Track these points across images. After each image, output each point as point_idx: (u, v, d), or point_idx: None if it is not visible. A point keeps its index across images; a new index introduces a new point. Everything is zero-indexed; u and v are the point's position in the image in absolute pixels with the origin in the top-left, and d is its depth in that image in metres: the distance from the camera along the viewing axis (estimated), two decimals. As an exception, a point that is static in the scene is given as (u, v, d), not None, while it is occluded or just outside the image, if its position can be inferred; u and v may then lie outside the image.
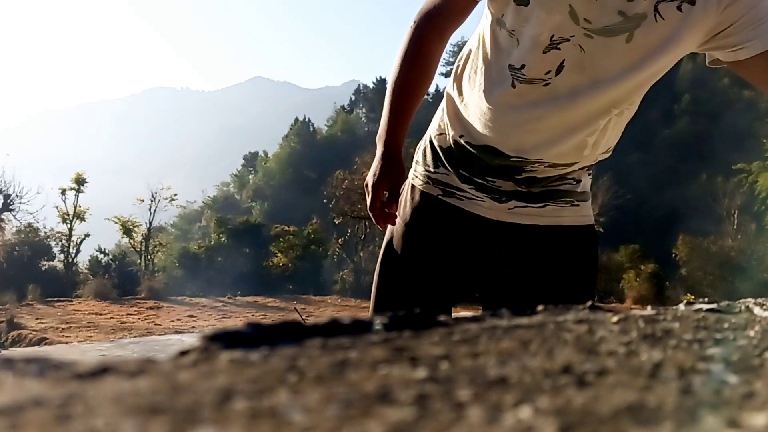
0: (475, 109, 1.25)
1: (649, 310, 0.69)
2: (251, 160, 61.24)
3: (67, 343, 9.27)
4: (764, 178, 24.58)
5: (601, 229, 22.63)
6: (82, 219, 22.63)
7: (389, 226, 1.38)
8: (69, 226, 22.12)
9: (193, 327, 11.28)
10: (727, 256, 18.96)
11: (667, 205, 38.98)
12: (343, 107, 63.05)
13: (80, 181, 22.53)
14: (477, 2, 1.20)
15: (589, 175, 1.35)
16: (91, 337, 10.17)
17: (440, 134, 1.35)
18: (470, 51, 1.28)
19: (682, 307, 0.74)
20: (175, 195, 25.37)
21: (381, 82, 60.79)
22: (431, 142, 1.37)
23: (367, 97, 61.45)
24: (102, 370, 0.34)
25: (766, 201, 24.02)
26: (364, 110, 61.51)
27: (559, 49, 1.11)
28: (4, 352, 8.72)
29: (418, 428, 0.25)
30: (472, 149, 1.27)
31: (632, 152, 47.80)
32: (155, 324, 12.11)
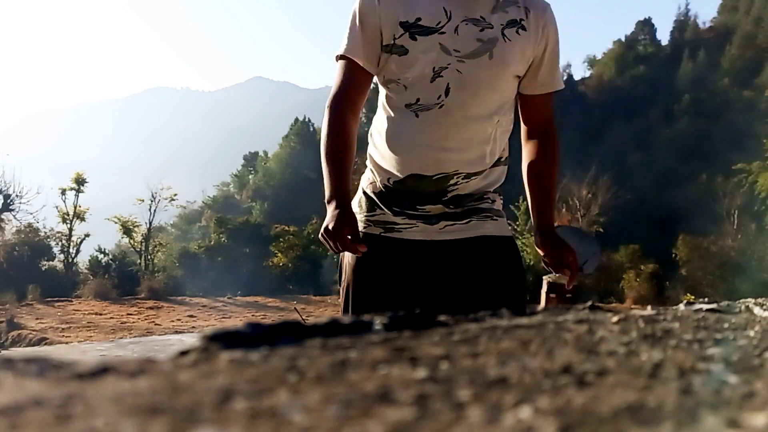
0: (392, 152, 1.52)
1: (649, 310, 0.69)
2: (251, 160, 61.23)
3: (67, 343, 9.27)
4: (764, 178, 24.57)
5: (600, 229, 22.62)
6: (82, 219, 22.63)
7: (345, 274, 1.59)
8: (69, 226, 22.13)
9: (193, 327, 11.28)
10: (727, 256, 18.97)
11: (667, 205, 38.96)
12: (343, 107, 63.08)
13: (80, 181, 22.54)
14: (373, 75, 1.53)
15: (500, 198, 1.61)
16: (91, 337, 10.17)
17: (371, 183, 1.60)
18: (377, 119, 1.61)
19: (682, 307, 0.74)
20: (175, 195, 25.39)
21: (381, 82, 60.85)
22: (364, 192, 1.61)
23: (367, 97, 61.41)
24: (102, 370, 0.34)
25: (766, 201, 24.02)
26: (364, 110, 61.37)
27: (442, 76, 1.43)
28: (4, 352, 8.72)
29: (418, 428, 0.25)
30: (400, 185, 1.52)
31: (632, 152, 47.81)
32: (155, 324, 12.11)
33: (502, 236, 1.56)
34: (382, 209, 1.55)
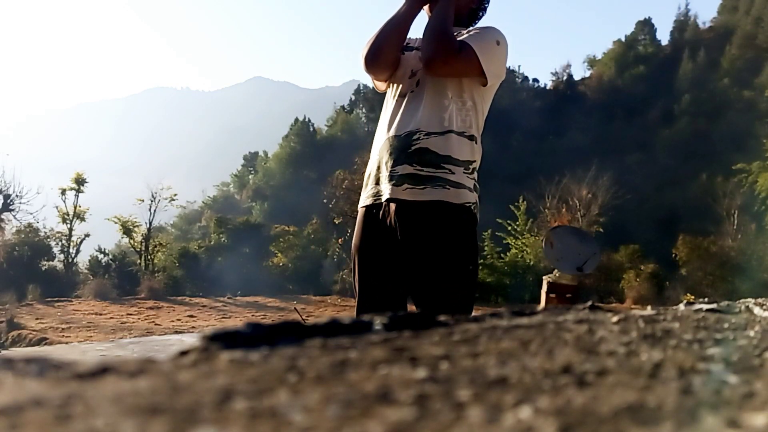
0: (378, 133, 2.05)
1: (649, 310, 0.69)
2: (251, 160, 61.22)
3: (67, 343, 9.27)
4: (764, 178, 24.57)
5: (600, 230, 22.61)
6: (82, 219, 22.62)
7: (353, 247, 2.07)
8: (69, 226, 22.12)
9: (193, 327, 11.27)
10: (727, 256, 18.95)
11: (667, 205, 38.97)
12: (343, 107, 63.04)
13: (80, 181, 22.52)
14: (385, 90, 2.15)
15: (466, 172, 1.93)
16: (91, 337, 10.16)
17: (368, 170, 2.06)
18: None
19: (682, 307, 0.74)
20: (175, 195, 25.36)
21: (381, 82, 60.80)
22: (366, 177, 2.05)
23: (367, 97, 61.37)
24: (102, 370, 0.34)
25: (766, 201, 24.01)
26: (364, 110, 61.48)
27: (416, 74, 2.00)
28: (4, 352, 8.71)
29: (418, 428, 0.26)
30: (378, 152, 1.99)
31: (632, 152, 47.79)
32: (155, 324, 12.10)
33: (447, 202, 1.88)
34: (368, 186, 2.01)
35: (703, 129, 47.36)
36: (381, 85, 2.13)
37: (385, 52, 2.00)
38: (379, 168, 1.97)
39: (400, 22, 2.01)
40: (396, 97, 2.01)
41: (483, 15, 2.20)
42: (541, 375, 0.36)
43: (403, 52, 2.05)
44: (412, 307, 1.99)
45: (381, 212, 1.94)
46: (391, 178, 1.91)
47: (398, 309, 1.88)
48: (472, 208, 1.93)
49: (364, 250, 1.98)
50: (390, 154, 1.92)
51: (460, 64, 1.91)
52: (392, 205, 1.91)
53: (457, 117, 1.93)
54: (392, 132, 1.95)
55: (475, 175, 1.97)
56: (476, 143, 1.97)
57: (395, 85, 2.04)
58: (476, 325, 0.55)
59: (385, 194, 1.93)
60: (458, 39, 1.94)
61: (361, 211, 2.02)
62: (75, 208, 22.43)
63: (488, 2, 2.21)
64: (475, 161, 1.96)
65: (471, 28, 2.08)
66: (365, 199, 2.01)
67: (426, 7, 2.07)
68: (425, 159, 1.88)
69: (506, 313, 0.62)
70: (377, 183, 1.97)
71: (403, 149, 1.90)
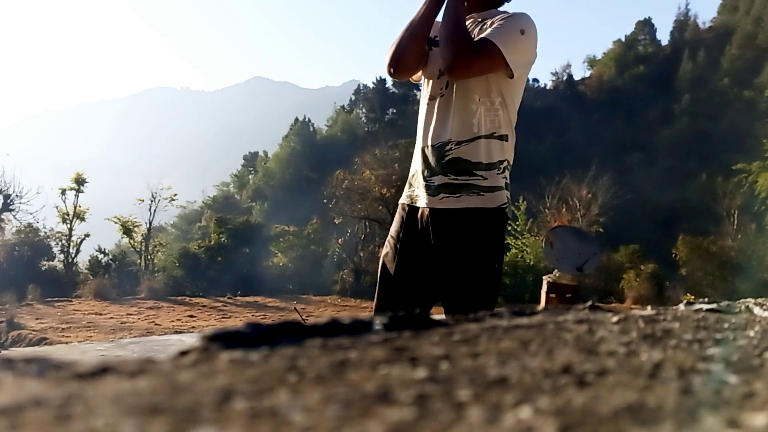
0: (417, 135, 2.10)
1: (649, 310, 0.69)
2: (251, 160, 61.19)
3: (67, 343, 9.27)
4: (764, 178, 24.56)
5: (600, 230, 22.60)
6: (82, 219, 22.61)
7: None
8: (69, 226, 22.11)
9: (193, 327, 11.27)
10: (727, 256, 18.95)
11: (667, 205, 38.96)
12: (343, 107, 63.04)
13: (80, 181, 22.52)
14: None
15: (498, 171, 1.98)
16: (91, 337, 10.16)
17: (411, 172, 2.14)
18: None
19: (682, 307, 0.74)
20: (175, 195, 25.38)
21: (381, 83, 60.74)
22: (410, 177, 2.14)
23: (367, 97, 61.39)
24: (102, 370, 0.34)
25: (766, 201, 24.01)
26: (364, 110, 61.48)
27: (444, 73, 1.98)
28: (4, 352, 8.71)
29: (418, 428, 0.26)
30: (416, 159, 2.07)
31: (632, 152, 47.79)
32: (155, 324, 12.10)
33: (483, 208, 1.96)
34: (411, 186, 2.10)
35: (703, 129, 47.35)
36: (415, 78, 2.15)
37: (408, 59, 2.02)
38: (417, 175, 2.07)
39: (420, 26, 2.00)
40: (428, 99, 2.05)
41: None
42: (541, 375, 0.36)
43: (431, 48, 2.04)
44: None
45: (418, 214, 2.04)
46: (428, 187, 2.00)
47: (418, 305, 1.98)
48: (505, 208, 2.00)
49: (400, 242, 2.06)
50: (426, 165, 2.01)
51: (481, 63, 1.88)
52: (427, 212, 2.00)
53: (485, 119, 1.96)
54: (427, 141, 2.01)
55: (507, 173, 2.02)
56: (507, 141, 2.00)
57: (426, 82, 2.07)
58: (476, 325, 0.55)
59: (422, 202, 2.01)
60: (481, 36, 1.90)
61: (401, 206, 2.12)
62: (75, 208, 22.42)
63: None
64: (506, 159, 2.00)
65: (499, 14, 1.99)
66: (405, 197, 2.11)
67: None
68: (458, 168, 1.95)
69: (506, 313, 0.62)
70: (417, 187, 2.06)
71: (437, 160, 1.98)
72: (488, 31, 1.91)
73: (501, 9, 2.06)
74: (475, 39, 1.92)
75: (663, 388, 0.33)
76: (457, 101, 1.96)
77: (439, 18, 2.00)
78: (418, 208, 2.03)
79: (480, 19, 2.01)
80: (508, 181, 2.03)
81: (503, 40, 1.87)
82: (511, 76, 1.93)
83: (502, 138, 1.98)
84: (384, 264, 2.08)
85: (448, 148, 1.96)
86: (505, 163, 2.00)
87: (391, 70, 2.04)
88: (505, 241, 2.15)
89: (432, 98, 2.02)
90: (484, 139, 1.95)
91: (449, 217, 1.96)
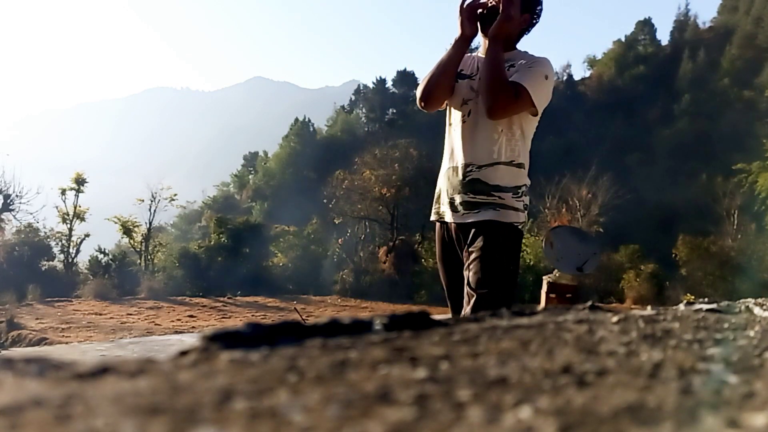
0: (444, 155, 2.38)
1: (649, 310, 0.69)
2: (251, 160, 61.15)
3: (67, 343, 9.26)
4: (764, 178, 24.53)
5: (600, 230, 22.59)
6: (82, 219, 22.60)
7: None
8: (69, 226, 22.10)
9: (193, 327, 11.27)
10: (727, 256, 18.94)
11: (667, 205, 38.94)
12: (343, 107, 62.98)
13: (80, 181, 22.51)
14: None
15: (515, 196, 2.23)
16: (91, 337, 10.16)
17: (436, 191, 2.42)
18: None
19: (682, 307, 0.74)
20: (175, 195, 25.35)
21: (381, 83, 60.73)
22: (436, 194, 2.42)
23: (367, 97, 61.35)
24: (102, 370, 0.34)
25: (766, 201, 23.97)
26: (364, 110, 61.43)
27: (467, 103, 2.28)
28: (4, 352, 8.71)
29: (418, 428, 0.26)
30: (442, 179, 2.36)
31: (632, 152, 47.77)
32: (155, 324, 12.10)
33: (497, 221, 2.19)
34: (437, 203, 2.40)
35: (703, 129, 47.33)
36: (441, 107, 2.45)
37: (437, 95, 2.31)
38: (441, 193, 2.36)
39: (449, 66, 2.29)
40: (453, 124, 2.33)
41: (536, 22, 2.38)
42: (541, 375, 0.36)
43: (457, 80, 2.32)
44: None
45: (445, 229, 2.36)
46: (451, 204, 2.29)
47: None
48: (518, 226, 2.26)
49: (441, 257, 2.42)
50: (450, 184, 2.29)
51: (516, 107, 2.17)
52: (453, 225, 2.30)
53: (506, 148, 2.23)
54: (452, 163, 2.30)
55: (525, 197, 2.28)
56: (523, 168, 2.26)
57: (452, 110, 2.35)
58: (476, 325, 0.55)
59: (448, 218, 2.31)
60: (511, 79, 2.16)
61: (436, 225, 2.43)
62: (75, 208, 22.41)
63: (539, 17, 2.37)
64: (523, 185, 2.26)
65: (522, 55, 2.27)
66: (434, 214, 2.42)
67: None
68: (477, 188, 2.22)
69: (506, 313, 0.62)
70: (442, 204, 2.36)
71: (459, 181, 2.26)
72: (519, 75, 2.18)
73: (521, 49, 2.35)
74: (515, 68, 2.21)
75: (663, 388, 0.33)
76: (480, 130, 2.23)
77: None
78: (446, 223, 2.34)
79: (506, 59, 2.25)
80: (527, 204, 2.29)
81: (532, 84, 2.16)
82: (535, 114, 2.24)
83: (520, 166, 2.25)
84: (441, 274, 2.45)
85: (469, 170, 2.23)
86: (523, 188, 2.26)
87: (422, 104, 2.34)
88: (519, 254, 2.35)
89: (457, 123, 2.29)
90: (503, 166, 2.22)
91: (470, 228, 2.23)
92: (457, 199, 2.25)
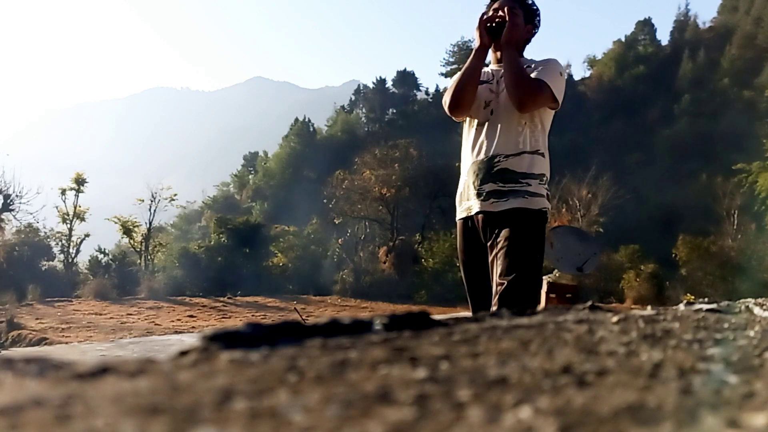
0: (464, 157, 2.51)
1: (649, 310, 0.69)
2: (251, 160, 61.15)
3: (67, 343, 9.26)
4: (764, 178, 24.53)
5: (600, 230, 22.59)
6: (82, 219, 22.62)
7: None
8: (69, 226, 22.12)
9: (193, 327, 11.27)
10: (727, 256, 18.95)
11: (667, 205, 38.93)
12: (343, 107, 62.96)
13: (80, 181, 22.53)
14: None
15: (540, 182, 2.36)
16: (91, 337, 10.16)
17: (458, 192, 2.52)
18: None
19: (682, 307, 0.74)
20: (175, 195, 25.38)
21: (381, 83, 60.73)
22: (459, 193, 2.51)
23: (367, 97, 61.35)
24: (102, 370, 0.34)
25: (766, 201, 23.98)
26: (364, 110, 61.43)
27: (489, 104, 2.44)
28: (4, 352, 8.71)
29: (418, 428, 0.26)
30: (466, 174, 2.45)
31: (632, 152, 47.76)
32: (155, 324, 12.10)
33: (526, 208, 2.30)
34: (462, 201, 2.47)
35: (703, 129, 47.32)
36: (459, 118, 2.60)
37: (464, 103, 2.46)
38: (468, 187, 2.43)
39: (473, 74, 2.46)
40: (476, 126, 2.47)
41: (537, 32, 2.61)
42: (541, 375, 0.36)
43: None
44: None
45: (472, 223, 2.42)
46: (479, 194, 2.37)
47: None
48: (545, 211, 2.36)
49: (465, 254, 2.47)
50: (476, 176, 2.39)
51: (542, 99, 2.36)
52: (480, 216, 2.37)
53: (530, 138, 2.38)
54: (477, 157, 2.41)
55: (547, 184, 2.39)
56: (545, 157, 2.41)
57: (472, 115, 2.49)
58: (476, 325, 0.55)
59: (475, 208, 2.39)
60: (535, 77, 2.35)
61: (459, 223, 2.49)
62: (75, 208, 22.43)
63: (538, 26, 2.61)
64: (546, 174, 2.39)
65: (529, 60, 2.48)
66: (460, 213, 2.48)
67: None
68: (506, 177, 2.33)
69: (506, 313, 0.62)
70: (468, 199, 2.43)
71: (487, 171, 2.36)
72: (538, 73, 2.38)
73: (528, 57, 2.54)
74: (532, 68, 2.39)
75: (663, 388, 0.33)
76: (503, 124, 2.38)
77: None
78: (472, 217, 2.42)
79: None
80: (549, 192, 2.41)
81: (551, 80, 2.36)
82: (556, 108, 2.44)
83: (543, 155, 2.40)
84: (463, 272, 2.51)
85: (497, 160, 2.35)
86: (546, 177, 2.39)
87: (452, 112, 2.49)
88: (544, 241, 2.42)
89: (480, 124, 2.44)
90: (528, 154, 2.35)
91: (498, 216, 2.32)
92: (486, 189, 2.35)
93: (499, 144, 2.36)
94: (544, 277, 8.49)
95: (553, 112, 2.48)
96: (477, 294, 2.42)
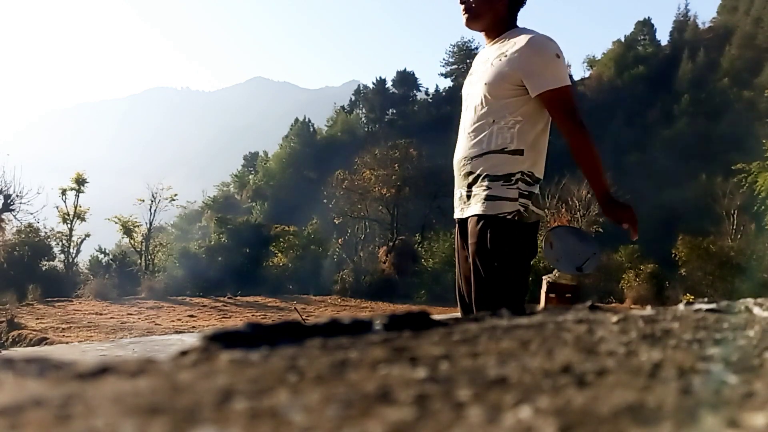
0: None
1: (648, 310, 0.69)
2: (251, 160, 61.15)
3: (67, 343, 9.26)
4: (764, 178, 24.51)
5: (600, 230, 22.56)
6: (83, 219, 22.61)
7: None
8: (69, 226, 22.10)
9: (193, 327, 11.27)
10: (727, 256, 18.93)
11: (667, 205, 38.93)
12: (343, 107, 62.98)
13: (80, 181, 22.51)
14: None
15: (505, 186, 2.14)
16: (91, 337, 10.16)
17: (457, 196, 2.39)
18: None
19: (681, 307, 0.74)
20: (175, 195, 25.36)
21: (381, 83, 60.75)
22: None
23: (367, 97, 61.35)
24: (102, 370, 0.34)
25: (766, 201, 23.97)
26: (364, 110, 61.45)
27: (466, 100, 2.29)
28: (4, 352, 8.71)
29: (418, 428, 0.26)
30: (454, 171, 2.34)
31: (632, 152, 47.78)
32: (155, 324, 12.09)
33: (486, 215, 2.14)
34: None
35: (702, 129, 47.34)
36: None
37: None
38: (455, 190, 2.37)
39: None
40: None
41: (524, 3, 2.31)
42: (541, 375, 0.36)
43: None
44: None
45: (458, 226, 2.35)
46: (456, 200, 2.30)
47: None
48: (508, 216, 2.13)
49: (456, 257, 2.41)
50: (455, 181, 2.31)
51: (581, 129, 2.28)
52: (458, 221, 2.32)
53: (497, 136, 2.16)
54: (454, 159, 2.31)
55: (521, 184, 2.14)
56: (520, 155, 2.14)
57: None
58: (476, 325, 0.55)
59: (456, 213, 2.31)
60: (532, 87, 2.14)
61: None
62: (75, 208, 22.41)
63: None
64: (518, 172, 2.13)
65: (519, 32, 2.21)
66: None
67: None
68: (470, 181, 2.21)
69: (506, 313, 0.62)
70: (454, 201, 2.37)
71: (458, 174, 2.27)
72: (538, 79, 2.13)
73: (520, 26, 2.30)
74: (507, 57, 2.15)
75: (663, 388, 0.33)
76: (471, 122, 2.21)
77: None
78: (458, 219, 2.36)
79: (506, 40, 2.22)
80: (527, 191, 2.15)
81: (555, 80, 2.16)
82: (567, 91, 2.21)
83: (515, 152, 2.14)
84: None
85: (463, 164, 2.23)
86: (518, 175, 2.13)
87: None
88: (508, 246, 2.16)
89: (460, 123, 2.34)
90: (494, 154, 2.15)
91: (464, 224, 2.25)
92: (457, 194, 2.27)
93: (464, 145, 2.22)
94: (544, 277, 8.49)
95: (539, 100, 2.16)
96: (461, 300, 2.33)
